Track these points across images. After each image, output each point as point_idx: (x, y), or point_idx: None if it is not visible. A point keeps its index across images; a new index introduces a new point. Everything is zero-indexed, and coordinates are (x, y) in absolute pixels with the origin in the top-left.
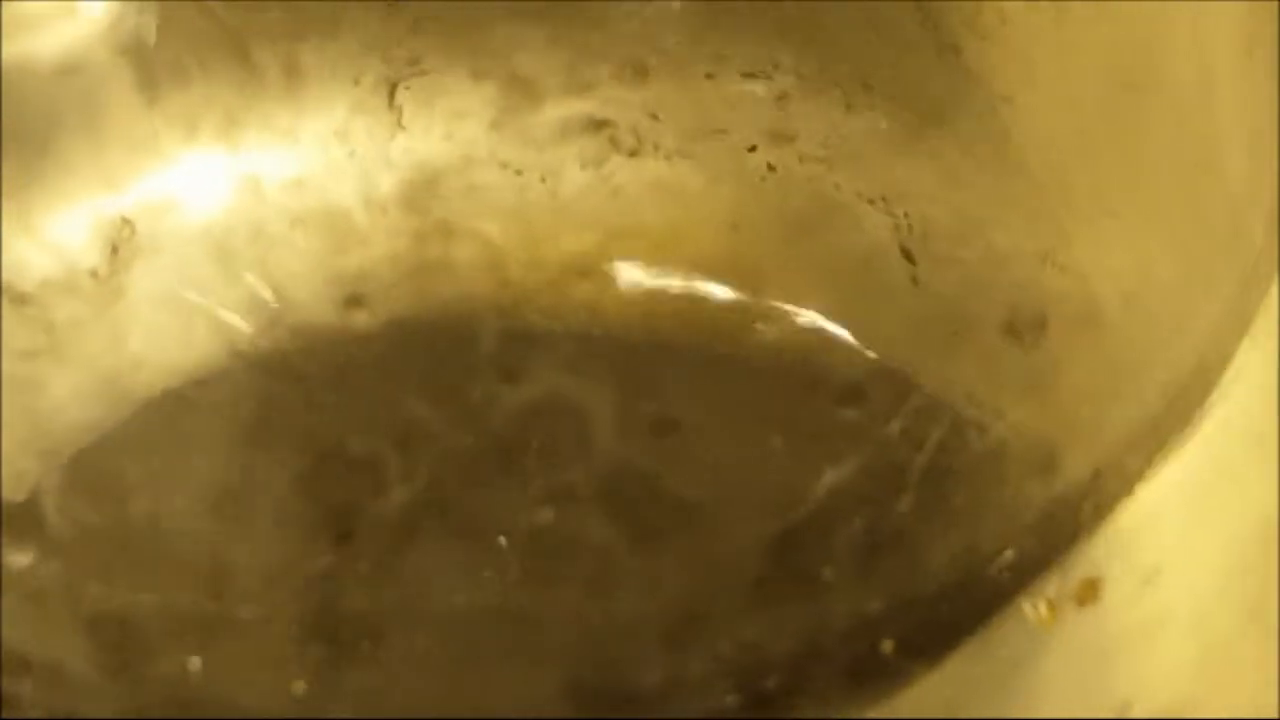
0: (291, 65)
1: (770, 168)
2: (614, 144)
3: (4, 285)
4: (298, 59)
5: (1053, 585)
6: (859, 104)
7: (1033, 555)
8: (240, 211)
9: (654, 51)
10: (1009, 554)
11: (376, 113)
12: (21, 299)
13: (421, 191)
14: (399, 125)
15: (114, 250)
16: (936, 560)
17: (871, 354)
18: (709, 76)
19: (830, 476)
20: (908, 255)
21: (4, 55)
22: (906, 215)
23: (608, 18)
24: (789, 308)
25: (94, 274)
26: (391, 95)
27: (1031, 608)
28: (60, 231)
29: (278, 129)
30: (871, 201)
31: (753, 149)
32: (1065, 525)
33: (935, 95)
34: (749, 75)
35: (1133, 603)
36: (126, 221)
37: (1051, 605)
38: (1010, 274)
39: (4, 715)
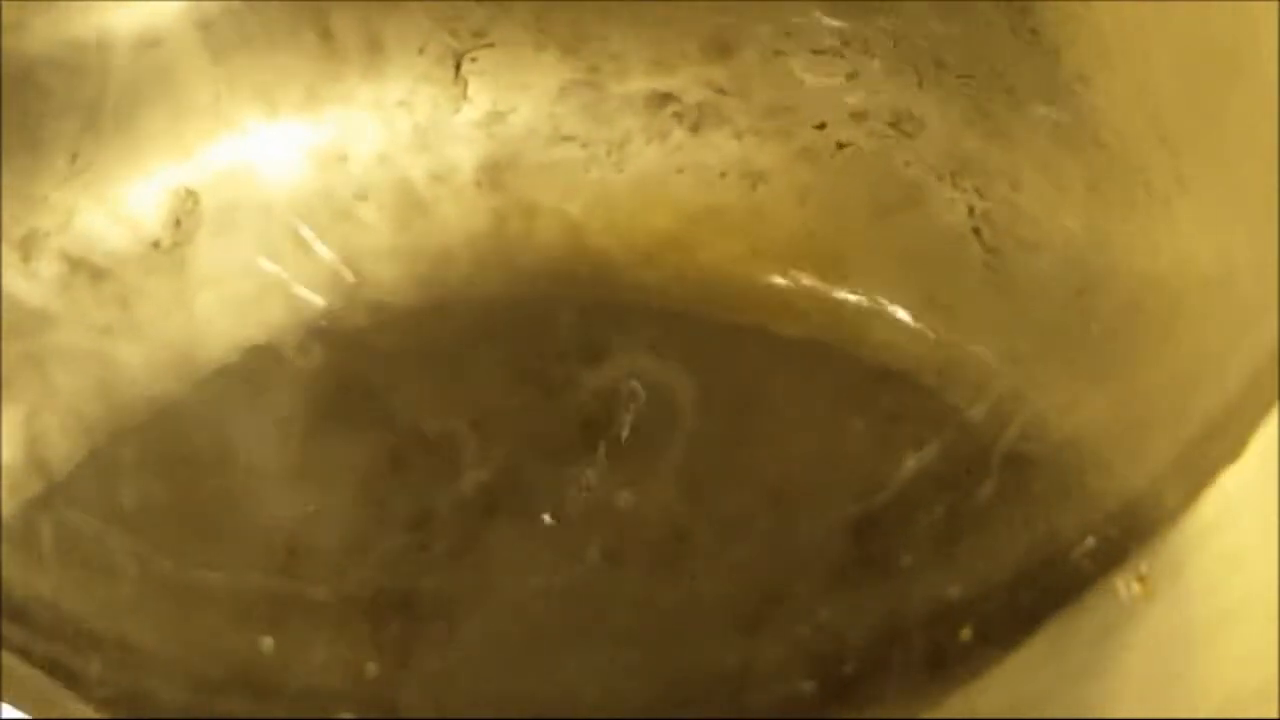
0: (372, 39)
1: (840, 145)
2: (679, 119)
3: (80, 260)
4: (378, 32)
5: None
6: (931, 81)
7: (1114, 542)
8: (317, 186)
9: (723, 27)
10: (1090, 541)
11: (442, 84)
12: (98, 273)
13: (498, 168)
14: (464, 98)
15: (188, 223)
16: (1016, 547)
17: (950, 339)
18: (778, 54)
19: (912, 462)
20: (980, 236)
21: (83, 29)
22: (980, 194)
23: None
24: (866, 290)
25: (168, 247)
26: (457, 68)
27: (1124, 585)
28: (136, 205)
29: (357, 103)
30: (941, 179)
31: (822, 126)
32: (1147, 512)
33: (1010, 74)
34: (819, 53)
35: (1216, 589)
36: (200, 194)
37: (1143, 580)
38: (1086, 257)
39: (73, 691)
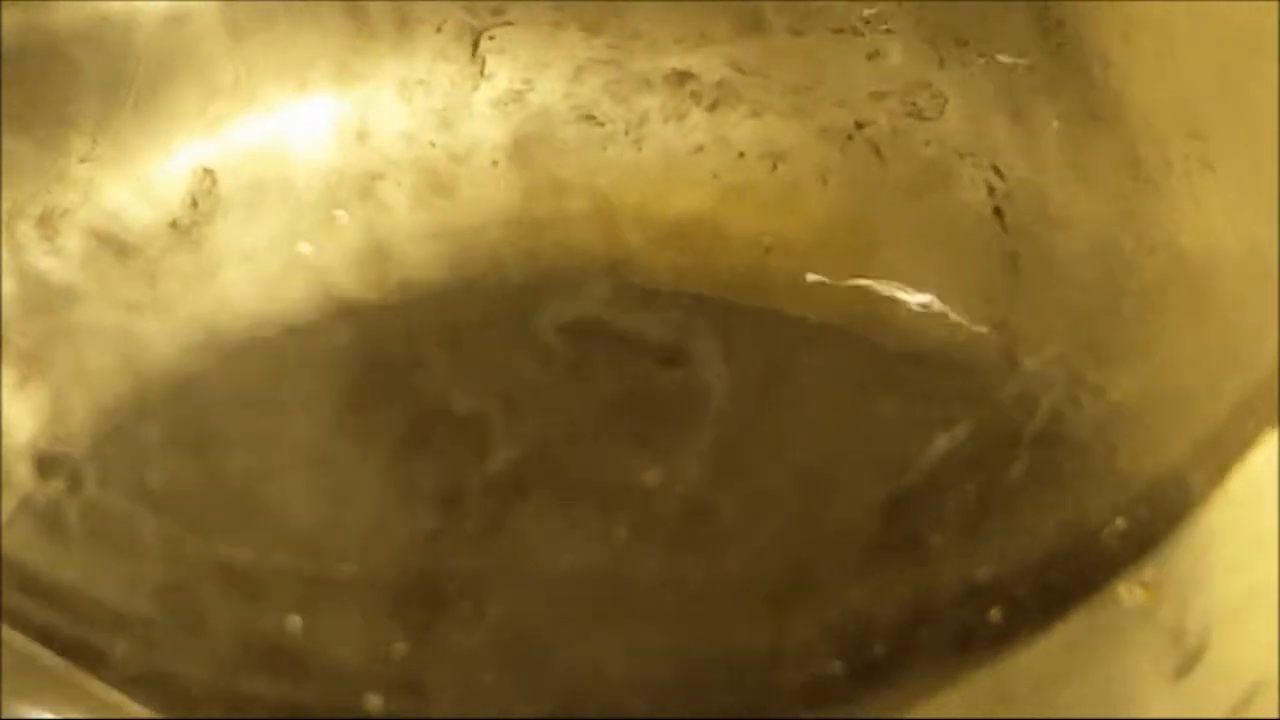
0: (401, 15)
1: (859, 125)
2: (697, 98)
3: (106, 236)
4: (406, 9)
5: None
6: (952, 61)
7: (1144, 523)
8: (342, 163)
9: (742, 6)
10: (1120, 522)
11: (460, 62)
12: (124, 250)
13: (516, 146)
14: (481, 75)
15: (213, 200)
16: (1046, 528)
17: (978, 320)
18: (797, 33)
19: (942, 442)
20: (1002, 216)
21: (110, 5)
22: (1001, 174)
23: None
24: (892, 271)
25: (193, 224)
26: (475, 46)
27: (1127, 591)
28: (162, 181)
29: (381, 80)
30: (963, 159)
31: (841, 105)
32: (1176, 493)
33: (1031, 54)
34: (839, 31)
35: (1240, 570)
36: (225, 172)
37: (1147, 586)
38: (1114, 237)
39: (96, 673)
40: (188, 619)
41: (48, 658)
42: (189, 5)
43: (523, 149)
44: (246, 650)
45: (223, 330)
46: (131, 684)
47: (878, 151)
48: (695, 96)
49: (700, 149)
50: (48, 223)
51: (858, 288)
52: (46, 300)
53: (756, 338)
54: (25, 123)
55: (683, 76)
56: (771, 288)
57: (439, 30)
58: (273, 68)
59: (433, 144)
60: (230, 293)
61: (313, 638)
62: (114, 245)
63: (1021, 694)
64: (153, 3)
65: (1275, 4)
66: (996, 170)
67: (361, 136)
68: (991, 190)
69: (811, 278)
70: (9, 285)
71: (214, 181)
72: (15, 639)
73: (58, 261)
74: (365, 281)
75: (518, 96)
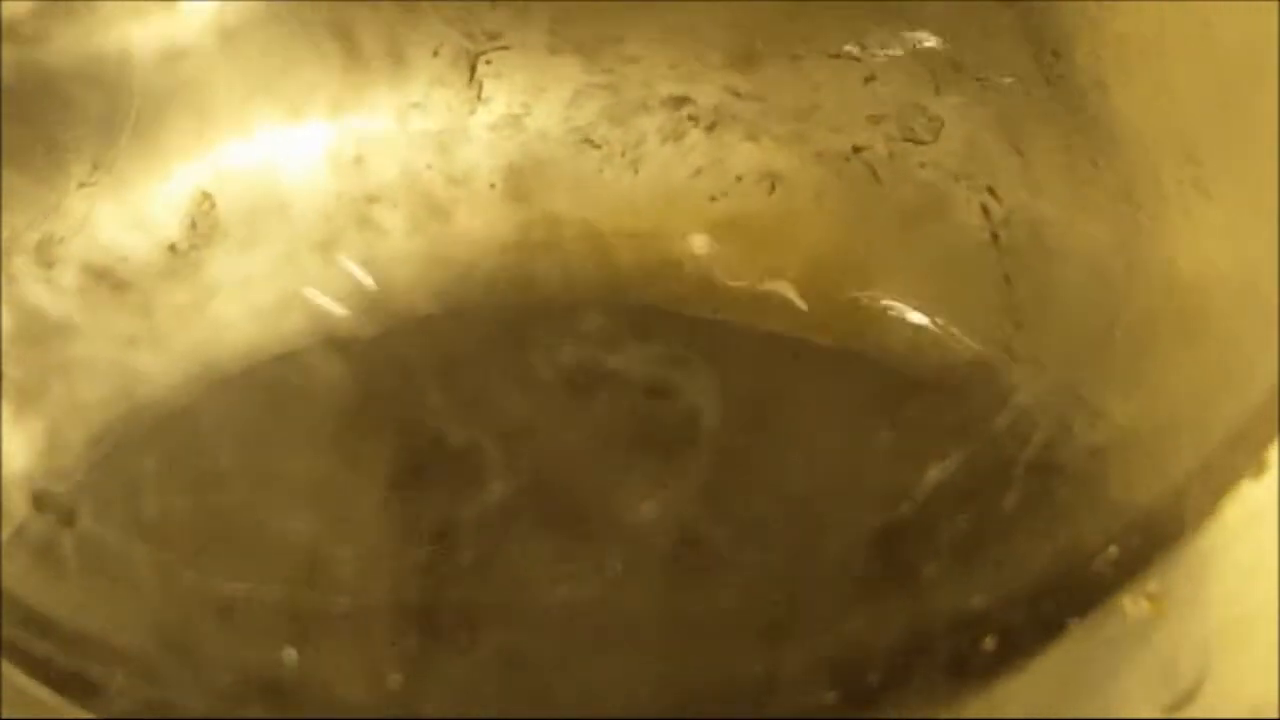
0: (393, 44)
1: (856, 149)
2: (695, 122)
3: (102, 269)
4: (400, 37)
5: (1154, 581)
6: (948, 86)
7: (1136, 551)
8: (336, 192)
9: (739, 32)
10: (1112, 550)
11: (457, 87)
12: (119, 284)
13: (514, 171)
14: (478, 99)
15: (208, 232)
16: (1039, 556)
17: (972, 346)
18: (794, 58)
19: (936, 471)
20: (998, 241)
21: (106, 41)
22: (998, 199)
23: None
24: (887, 296)
25: (188, 256)
26: (472, 70)
27: (1132, 602)
28: (158, 214)
29: (376, 107)
30: (958, 183)
31: (838, 130)
32: (1169, 521)
33: (1027, 79)
34: (835, 56)
35: (1234, 598)
36: (220, 203)
37: (1152, 599)
38: (1108, 264)
39: (93, 706)
40: (184, 652)
41: (40, 690)
42: (186, 41)
43: (519, 173)
44: (243, 682)
45: (217, 362)
46: (127, 717)
47: (874, 175)
48: (692, 120)
49: (697, 172)
50: (44, 255)
51: (853, 313)
52: (42, 333)
53: (753, 365)
54: (22, 158)
55: (679, 101)
56: (767, 313)
57: (435, 54)
58: (271, 99)
59: (429, 167)
60: (224, 323)
61: (309, 669)
62: (109, 279)
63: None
64: (149, 40)
65: (1273, 31)
66: (993, 193)
67: (358, 161)
68: (988, 214)
69: (808, 301)
70: (5, 318)
71: (211, 206)
72: (8, 671)
73: (54, 295)
74: (360, 310)
75: (515, 120)
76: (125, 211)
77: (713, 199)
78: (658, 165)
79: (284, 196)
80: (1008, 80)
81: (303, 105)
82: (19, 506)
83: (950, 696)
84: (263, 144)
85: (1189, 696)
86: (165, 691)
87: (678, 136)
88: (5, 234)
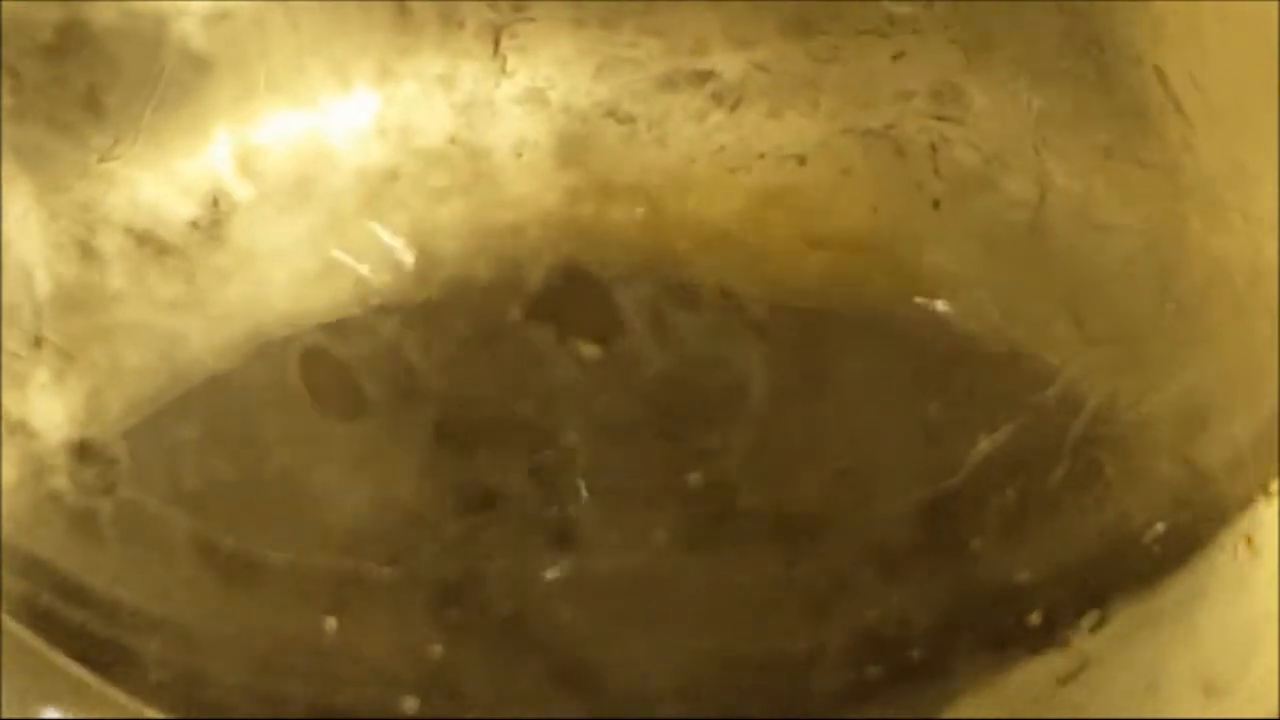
0: (446, 13)
1: (887, 126)
2: (718, 99)
3: (144, 234)
4: (455, 7)
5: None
6: (979, 63)
7: (1185, 528)
8: (379, 161)
9: (765, 6)
10: (1160, 526)
11: (482, 59)
12: (163, 249)
13: (539, 144)
14: (503, 72)
15: (252, 198)
16: (1087, 532)
17: (1021, 322)
18: (821, 33)
19: (984, 445)
20: (1036, 217)
21: (147, 4)
22: (1034, 178)
23: None
24: (929, 273)
25: (231, 221)
26: (496, 43)
27: (1236, 547)
28: (200, 179)
29: (414, 78)
30: (990, 162)
31: (866, 106)
32: (1219, 498)
33: (1060, 54)
34: (864, 32)
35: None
36: (264, 169)
37: (1250, 542)
38: (1157, 240)
39: (129, 675)
40: (222, 620)
41: (68, 662)
42: (234, 4)
43: (546, 146)
44: (282, 652)
45: (260, 328)
46: (162, 687)
47: (907, 153)
48: (717, 97)
49: (722, 149)
50: (84, 218)
51: (897, 289)
52: (83, 297)
53: (799, 339)
54: (64, 120)
55: (705, 75)
56: (811, 288)
57: (461, 26)
58: (319, 64)
59: (453, 140)
60: (267, 289)
61: (349, 639)
62: (151, 243)
63: (1057, 696)
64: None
65: None
66: (1032, 173)
67: (382, 133)
68: (1027, 194)
69: (851, 277)
70: (45, 282)
71: (250, 175)
72: (33, 641)
73: (94, 258)
74: (402, 277)
75: (539, 94)
76: (166, 175)
77: (737, 173)
78: (684, 141)
79: (329, 161)
80: (1041, 59)
81: (354, 74)
82: (58, 473)
83: (994, 670)
84: (311, 113)
85: (1233, 686)
86: (203, 661)
87: (702, 114)
88: (43, 200)
